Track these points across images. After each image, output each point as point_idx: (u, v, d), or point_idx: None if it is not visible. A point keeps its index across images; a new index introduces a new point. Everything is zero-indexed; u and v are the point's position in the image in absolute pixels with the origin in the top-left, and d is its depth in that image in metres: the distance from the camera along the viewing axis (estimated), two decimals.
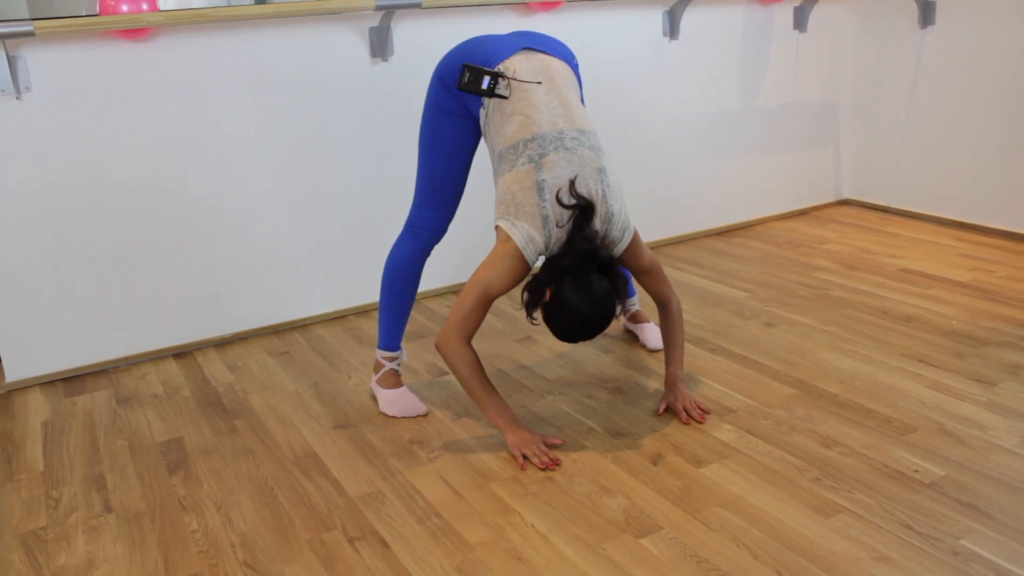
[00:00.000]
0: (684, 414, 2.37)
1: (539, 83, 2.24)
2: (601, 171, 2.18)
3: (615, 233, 2.20)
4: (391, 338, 2.53)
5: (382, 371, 2.55)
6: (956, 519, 1.88)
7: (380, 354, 2.55)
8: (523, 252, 2.14)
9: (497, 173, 2.24)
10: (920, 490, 1.99)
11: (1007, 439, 2.19)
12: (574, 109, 2.24)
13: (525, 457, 2.21)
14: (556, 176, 2.13)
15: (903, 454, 2.15)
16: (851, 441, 2.22)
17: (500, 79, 2.22)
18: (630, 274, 2.50)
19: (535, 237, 2.14)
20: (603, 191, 2.16)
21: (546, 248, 2.17)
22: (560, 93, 2.24)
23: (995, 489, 1.98)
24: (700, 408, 2.39)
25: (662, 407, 2.41)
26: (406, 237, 2.46)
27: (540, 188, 2.13)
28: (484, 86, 2.21)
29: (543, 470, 2.18)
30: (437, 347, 2.23)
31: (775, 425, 2.32)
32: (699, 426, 2.34)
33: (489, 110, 2.26)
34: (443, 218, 2.43)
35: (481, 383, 2.24)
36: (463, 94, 2.28)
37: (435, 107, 2.34)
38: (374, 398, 2.61)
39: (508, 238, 2.15)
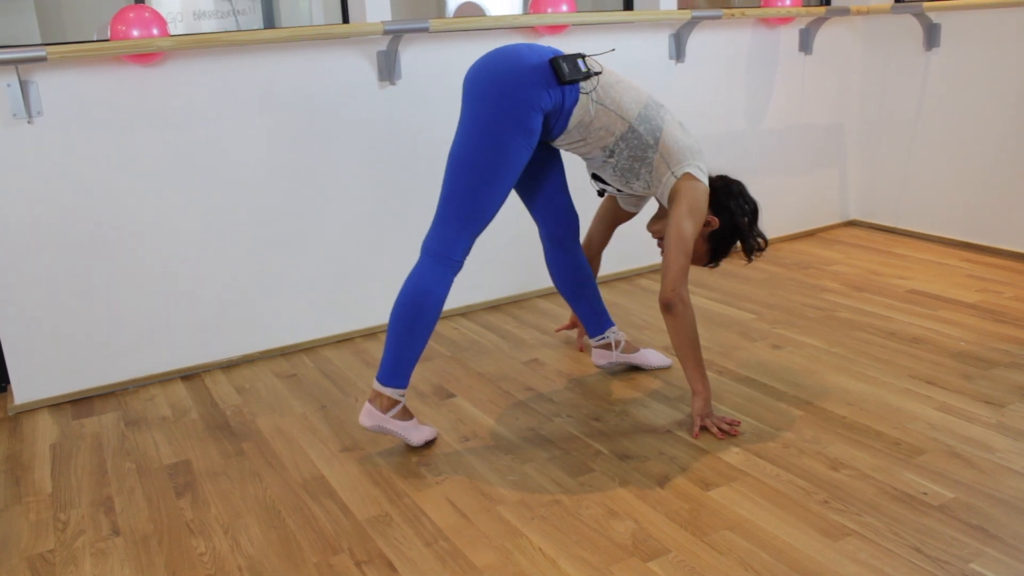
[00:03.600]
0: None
1: (613, 49, 2.76)
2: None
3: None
4: (406, 375, 2.36)
5: (397, 408, 2.37)
6: (965, 542, 1.87)
7: (391, 391, 2.36)
8: (708, 189, 2.43)
9: (646, 133, 2.38)
10: (929, 513, 1.98)
11: (1016, 461, 2.18)
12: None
13: (703, 428, 2.42)
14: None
15: (912, 476, 2.14)
16: (859, 463, 2.21)
17: (585, 58, 2.34)
18: (600, 311, 2.82)
19: (706, 170, 2.46)
20: None
21: None
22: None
23: (1004, 512, 1.97)
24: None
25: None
26: (441, 268, 2.30)
27: (686, 130, 2.46)
28: (583, 69, 2.30)
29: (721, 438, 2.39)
30: (668, 306, 2.33)
31: (783, 447, 2.32)
32: (707, 449, 2.33)
33: (597, 88, 2.34)
34: (471, 246, 2.34)
35: (698, 341, 2.41)
36: (552, 101, 2.27)
37: (514, 129, 2.24)
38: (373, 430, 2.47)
39: (696, 180, 2.38)
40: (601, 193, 2.70)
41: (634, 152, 2.40)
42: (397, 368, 2.34)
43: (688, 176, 2.37)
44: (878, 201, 4.53)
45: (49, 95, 2.69)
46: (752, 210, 2.52)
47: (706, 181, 2.41)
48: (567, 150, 2.49)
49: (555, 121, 2.33)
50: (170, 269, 2.98)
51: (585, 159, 2.52)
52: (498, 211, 2.36)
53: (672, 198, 2.39)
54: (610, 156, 2.43)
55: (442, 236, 2.30)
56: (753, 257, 2.58)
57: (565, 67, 2.26)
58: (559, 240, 2.69)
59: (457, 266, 2.32)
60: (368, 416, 2.37)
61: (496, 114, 2.24)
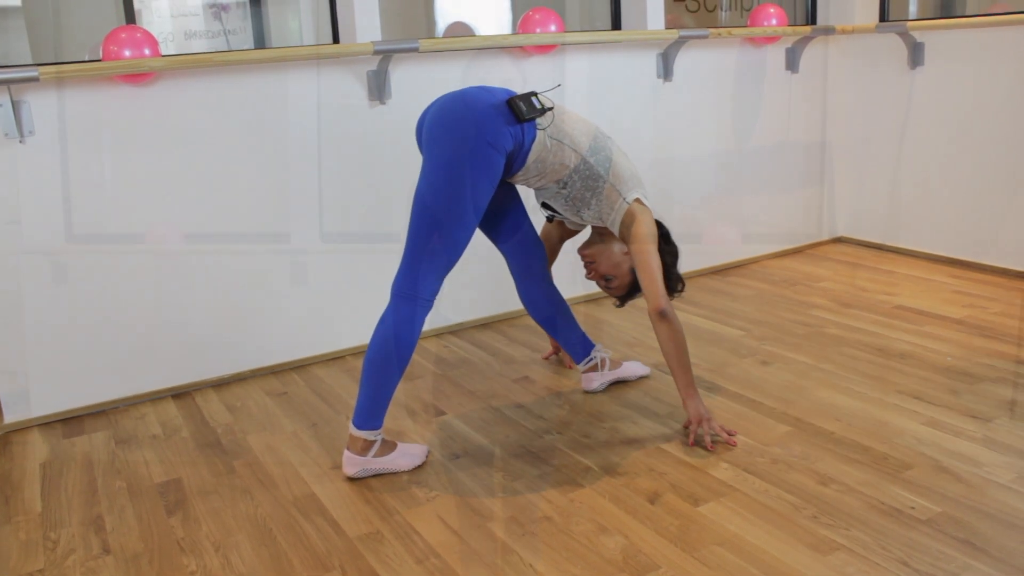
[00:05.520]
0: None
1: (559, 84, 2.79)
2: None
3: None
4: (381, 415, 2.35)
5: (375, 446, 2.35)
6: (953, 556, 1.88)
7: (366, 434, 2.34)
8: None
9: (597, 164, 2.44)
10: (917, 527, 2.00)
11: (1003, 475, 2.20)
12: None
13: (695, 435, 2.44)
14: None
15: (899, 491, 2.15)
16: (848, 478, 2.23)
17: (537, 95, 2.38)
18: (585, 340, 2.88)
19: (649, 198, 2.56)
20: None
21: None
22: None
23: (991, 525, 1.99)
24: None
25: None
26: (412, 309, 2.29)
27: (630, 160, 2.54)
28: (537, 106, 2.34)
29: (707, 447, 2.40)
30: (662, 314, 2.40)
31: (772, 463, 2.33)
32: (696, 464, 2.35)
33: (552, 123, 2.38)
34: (440, 285, 2.34)
35: (687, 350, 2.46)
36: (514, 140, 2.31)
37: (478, 169, 2.26)
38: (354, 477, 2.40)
39: (645, 206, 2.48)
40: (551, 219, 2.79)
41: (586, 183, 2.45)
42: (372, 410, 2.33)
43: (638, 201, 2.47)
44: (865, 218, 4.57)
45: (41, 115, 2.71)
46: (674, 253, 2.62)
47: (651, 205, 2.52)
48: (522, 185, 2.54)
49: (515, 159, 2.37)
50: (161, 288, 2.98)
51: (536, 190, 2.57)
52: (464, 249, 2.35)
53: (627, 222, 2.46)
54: (563, 187, 2.48)
55: (411, 277, 2.30)
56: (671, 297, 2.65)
57: (522, 105, 2.30)
58: (529, 271, 2.72)
59: (428, 305, 2.32)
60: (351, 464, 2.36)
61: (460, 155, 2.26)
